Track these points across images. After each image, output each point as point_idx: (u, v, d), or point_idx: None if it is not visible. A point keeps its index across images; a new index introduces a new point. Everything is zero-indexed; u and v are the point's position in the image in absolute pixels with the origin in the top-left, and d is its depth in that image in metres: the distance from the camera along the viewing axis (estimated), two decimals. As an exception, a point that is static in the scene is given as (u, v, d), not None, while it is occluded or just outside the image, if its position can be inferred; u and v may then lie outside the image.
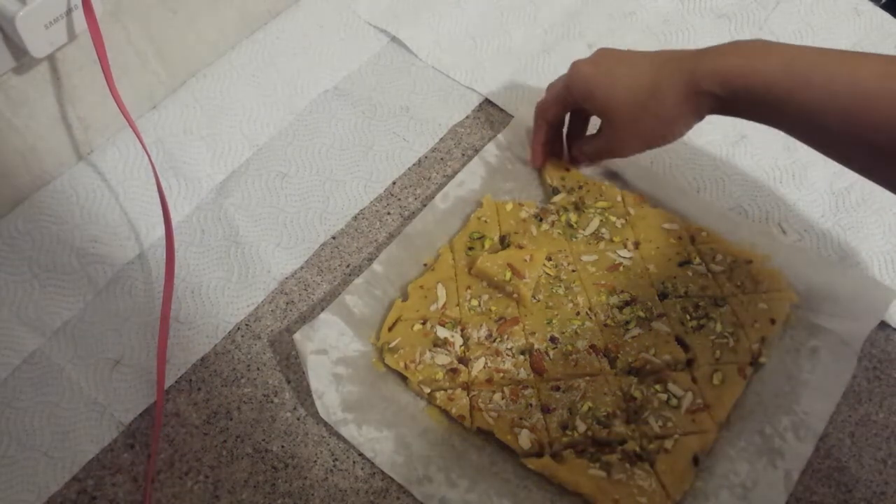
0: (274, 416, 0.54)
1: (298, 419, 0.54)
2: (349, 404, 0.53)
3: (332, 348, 0.54)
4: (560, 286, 0.58)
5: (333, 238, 0.63)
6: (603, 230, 0.61)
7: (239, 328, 0.58)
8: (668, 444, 0.50)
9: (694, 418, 0.52)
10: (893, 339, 0.58)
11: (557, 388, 0.53)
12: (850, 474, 0.53)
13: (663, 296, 0.57)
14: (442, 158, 0.68)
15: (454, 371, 0.53)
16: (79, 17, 0.53)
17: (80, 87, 0.60)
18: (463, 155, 0.68)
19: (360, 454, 0.52)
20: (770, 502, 0.50)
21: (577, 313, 0.56)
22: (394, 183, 0.66)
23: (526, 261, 0.57)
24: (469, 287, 0.57)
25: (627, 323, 0.56)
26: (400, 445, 0.52)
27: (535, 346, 0.55)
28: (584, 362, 0.54)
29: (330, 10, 0.76)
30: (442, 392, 0.53)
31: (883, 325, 0.59)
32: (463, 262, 0.59)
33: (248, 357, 0.57)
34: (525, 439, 0.51)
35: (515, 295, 0.57)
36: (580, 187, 0.63)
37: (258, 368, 0.56)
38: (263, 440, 0.53)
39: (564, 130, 0.65)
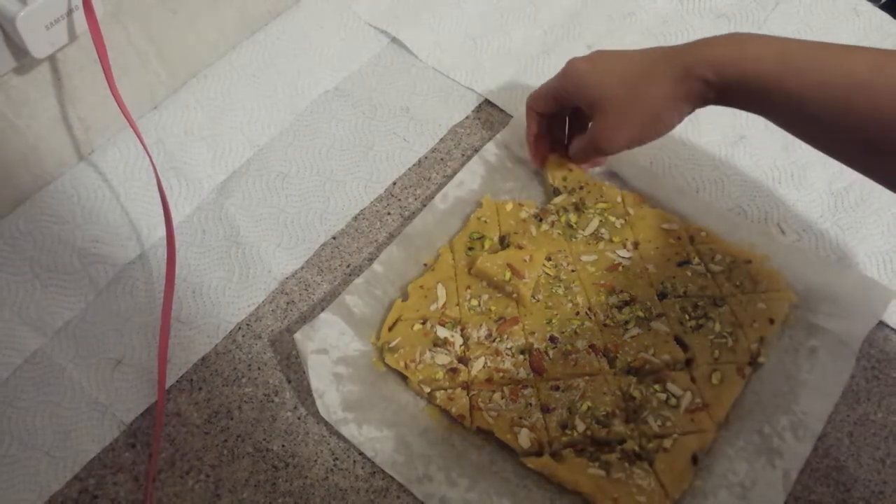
0: (274, 415, 0.55)
1: (299, 418, 0.54)
2: (349, 404, 0.53)
3: (332, 348, 0.55)
4: (560, 286, 0.58)
5: (334, 238, 0.63)
6: (602, 230, 0.61)
7: (240, 328, 0.58)
8: (667, 443, 0.51)
9: (693, 418, 0.52)
10: (892, 339, 0.58)
11: (557, 388, 0.53)
12: (849, 474, 0.53)
13: (662, 296, 0.57)
14: (442, 159, 0.68)
15: (454, 371, 0.53)
16: (79, 17, 0.53)
17: (80, 88, 0.60)
18: (463, 155, 0.68)
19: (361, 453, 0.53)
20: (769, 501, 0.50)
21: (577, 313, 0.57)
22: (394, 183, 0.66)
23: (525, 261, 0.58)
24: (469, 287, 0.58)
25: (627, 323, 0.56)
26: (400, 445, 0.52)
27: (535, 346, 0.55)
28: (583, 362, 0.54)
29: (330, 11, 0.76)
30: (442, 391, 0.53)
31: (881, 325, 0.59)
32: (463, 262, 0.59)
33: (249, 357, 0.57)
34: (525, 438, 0.51)
35: (515, 295, 0.57)
36: (581, 188, 0.63)
37: (259, 368, 0.57)
38: (264, 439, 0.54)
39: (565, 131, 0.65)
